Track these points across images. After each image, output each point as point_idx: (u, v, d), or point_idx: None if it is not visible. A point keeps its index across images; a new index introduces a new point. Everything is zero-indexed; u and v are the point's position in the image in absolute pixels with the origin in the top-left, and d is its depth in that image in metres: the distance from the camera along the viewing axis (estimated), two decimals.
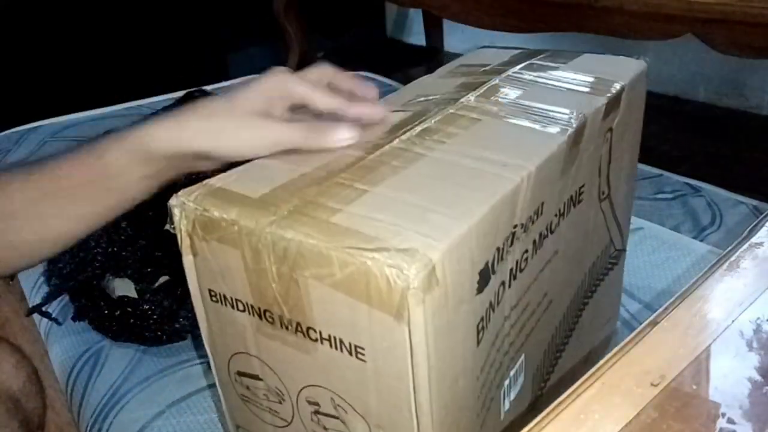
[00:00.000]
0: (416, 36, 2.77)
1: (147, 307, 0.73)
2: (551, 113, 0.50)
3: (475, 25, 1.65)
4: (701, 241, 0.90)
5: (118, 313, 0.74)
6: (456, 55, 0.66)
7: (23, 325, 1.07)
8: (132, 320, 0.74)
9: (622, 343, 0.36)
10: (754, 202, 1.00)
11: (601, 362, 0.35)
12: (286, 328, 0.41)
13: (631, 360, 0.35)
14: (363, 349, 0.38)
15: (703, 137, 1.89)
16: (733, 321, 0.37)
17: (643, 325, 0.38)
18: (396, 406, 0.39)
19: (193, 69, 2.12)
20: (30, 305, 0.89)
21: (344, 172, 0.43)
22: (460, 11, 1.65)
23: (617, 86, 0.55)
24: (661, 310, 0.38)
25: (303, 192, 0.41)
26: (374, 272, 0.35)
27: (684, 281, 0.78)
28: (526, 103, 0.52)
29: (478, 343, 0.42)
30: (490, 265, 0.41)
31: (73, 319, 0.79)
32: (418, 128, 0.48)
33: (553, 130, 0.48)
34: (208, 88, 1.10)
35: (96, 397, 0.73)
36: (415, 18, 2.72)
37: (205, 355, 0.75)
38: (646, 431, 0.31)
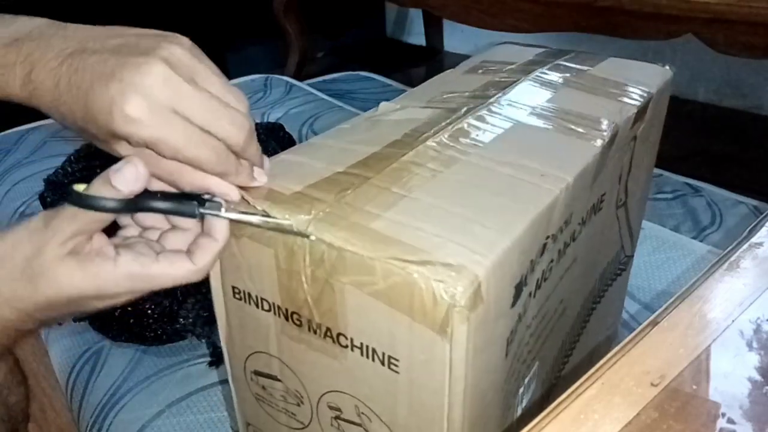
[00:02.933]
0: (416, 36, 2.77)
1: (147, 306, 0.73)
2: (584, 121, 0.49)
3: (475, 25, 1.65)
4: (701, 241, 0.90)
5: (118, 313, 0.74)
6: (456, 55, 0.65)
7: None
8: (132, 320, 0.74)
9: (622, 343, 0.36)
10: (754, 202, 1.00)
11: (601, 362, 0.35)
12: (315, 332, 0.40)
13: (631, 360, 0.35)
14: (397, 360, 0.37)
15: (703, 137, 1.89)
16: (733, 321, 0.37)
17: (643, 325, 0.38)
18: (427, 419, 0.38)
19: None
20: None
21: (379, 173, 0.42)
22: (460, 11, 1.65)
23: (646, 95, 0.54)
24: (661, 310, 0.38)
25: (338, 192, 0.40)
26: (420, 285, 0.34)
27: (684, 281, 0.78)
28: (557, 107, 0.51)
29: (506, 355, 0.41)
30: (524, 278, 0.40)
31: (74, 319, 0.79)
32: (450, 128, 0.47)
33: (587, 138, 0.47)
34: None
35: (96, 397, 0.73)
36: (415, 18, 2.72)
37: (205, 355, 0.75)
38: (646, 431, 0.31)
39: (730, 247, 0.43)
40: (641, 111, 0.53)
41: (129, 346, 0.77)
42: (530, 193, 0.41)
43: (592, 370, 0.35)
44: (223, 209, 0.40)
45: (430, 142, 0.45)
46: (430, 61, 2.59)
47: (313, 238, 0.37)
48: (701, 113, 2.04)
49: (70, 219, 0.38)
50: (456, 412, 0.37)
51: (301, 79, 1.62)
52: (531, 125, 0.48)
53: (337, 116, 1.33)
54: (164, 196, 0.39)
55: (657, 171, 1.09)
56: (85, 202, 0.37)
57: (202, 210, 0.39)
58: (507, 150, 0.45)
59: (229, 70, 2.32)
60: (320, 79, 1.64)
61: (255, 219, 0.39)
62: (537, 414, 0.33)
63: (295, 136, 1.07)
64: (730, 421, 0.32)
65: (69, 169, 0.89)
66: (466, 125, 0.47)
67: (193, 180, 0.39)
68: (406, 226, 0.37)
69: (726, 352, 0.36)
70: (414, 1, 1.87)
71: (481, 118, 0.48)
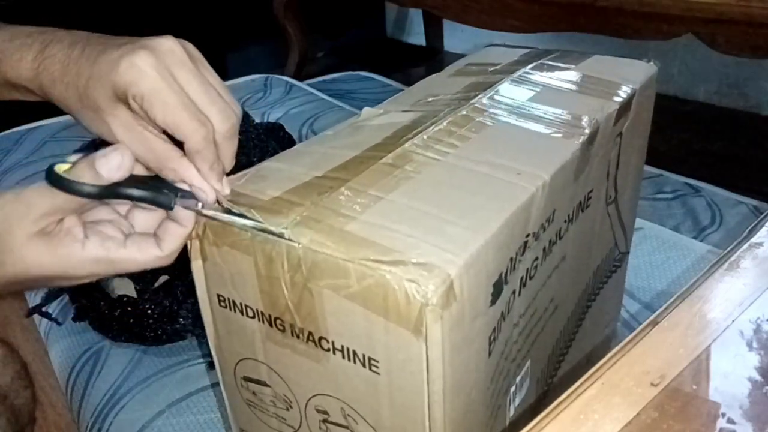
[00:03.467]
0: (416, 36, 2.77)
1: (147, 306, 0.73)
2: (564, 118, 0.49)
3: (475, 25, 1.65)
4: (701, 241, 0.90)
5: (118, 313, 0.74)
6: (456, 55, 0.66)
7: (23, 325, 1.07)
8: (132, 320, 0.74)
9: (622, 343, 0.36)
10: (754, 202, 1.00)
11: (601, 362, 0.35)
12: (297, 336, 0.40)
13: (631, 360, 0.35)
14: (377, 361, 0.38)
15: (703, 137, 1.89)
16: (733, 321, 0.37)
17: (643, 325, 0.38)
18: (410, 419, 0.38)
19: None
20: (30, 306, 0.89)
21: (357, 176, 0.42)
22: (460, 11, 1.65)
23: (629, 90, 0.54)
24: (661, 310, 0.38)
25: (315, 196, 0.40)
26: (393, 286, 0.34)
27: (684, 281, 0.78)
28: (539, 106, 0.51)
29: (490, 354, 0.41)
30: (503, 276, 0.40)
31: (74, 319, 0.79)
32: (430, 130, 0.47)
33: (567, 136, 0.47)
34: None
35: (96, 397, 0.73)
36: (415, 18, 2.72)
37: (205, 355, 0.75)
38: (646, 431, 0.31)
39: (730, 247, 0.43)
40: (624, 107, 0.53)
41: (129, 346, 0.77)
42: (506, 192, 0.41)
43: (592, 370, 0.35)
44: (199, 204, 0.40)
45: (409, 145, 0.45)
46: (430, 61, 2.59)
47: (287, 236, 0.37)
48: (701, 113, 2.04)
49: (46, 198, 0.38)
50: (437, 411, 0.37)
51: (301, 79, 1.62)
52: (511, 124, 0.49)
53: (337, 116, 1.33)
54: (140, 184, 0.40)
55: (657, 171, 1.09)
56: (63, 184, 0.37)
57: (179, 201, 0.40)
58: (485, 150, 0.45)
59: (229, 70, 2.32)
60: (320, 79, 1.64)
61: (228, 217, 0.40)
62: (533, 413, 0.33)
63: (295, 136, 1.07)
64: (730, 421, 0.32)
65: None
66: (445, 127, 0.48)
67: (177, 167, 0.40)
68: (380, 228, 0.37)
69: (726, 352, 0.36)
70: (414, 1, 1.87)
71: (461, 119, 0.49)
